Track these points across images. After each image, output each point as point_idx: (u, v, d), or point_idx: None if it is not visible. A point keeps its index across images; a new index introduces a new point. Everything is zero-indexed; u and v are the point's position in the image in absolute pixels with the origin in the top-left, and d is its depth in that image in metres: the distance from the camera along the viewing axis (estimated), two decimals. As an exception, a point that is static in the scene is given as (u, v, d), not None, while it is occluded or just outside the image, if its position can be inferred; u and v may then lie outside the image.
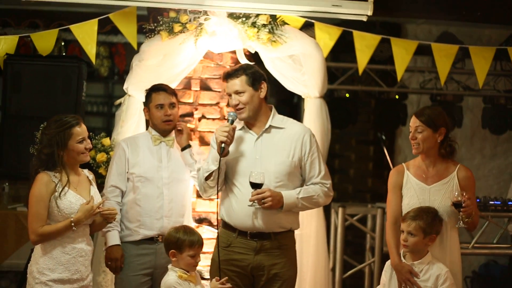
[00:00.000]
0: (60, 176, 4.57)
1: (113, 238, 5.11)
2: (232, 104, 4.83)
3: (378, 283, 5.10)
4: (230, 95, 4.84)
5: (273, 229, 4.78)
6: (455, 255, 4.85)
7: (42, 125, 4.75)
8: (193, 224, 5.54)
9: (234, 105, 4.81)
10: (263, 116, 4.87)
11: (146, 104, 5.31)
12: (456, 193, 4.68)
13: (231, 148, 4.80)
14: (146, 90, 5.34)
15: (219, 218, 4.94)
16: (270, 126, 4.85)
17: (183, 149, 5.24)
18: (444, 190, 4.79)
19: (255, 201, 4.63)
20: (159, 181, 5.17)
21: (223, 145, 4.67)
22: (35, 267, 4.54)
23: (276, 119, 4.89)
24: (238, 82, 4.79)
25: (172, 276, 4.49)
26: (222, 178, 4.84)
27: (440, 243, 4.78)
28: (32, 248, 4.80)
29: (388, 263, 4.93)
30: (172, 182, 5.20)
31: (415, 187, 4.85)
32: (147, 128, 5.53)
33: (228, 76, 4.85)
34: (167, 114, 5.20)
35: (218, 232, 4.87)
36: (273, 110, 4.93)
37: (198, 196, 5.66)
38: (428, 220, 4.67)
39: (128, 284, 5.11)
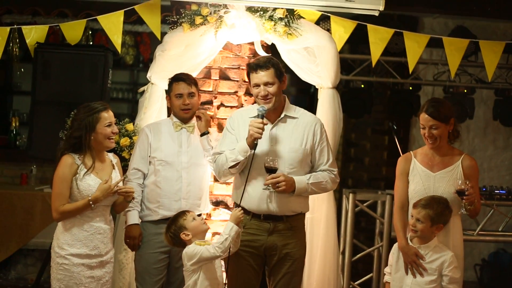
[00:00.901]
0: (83, 159, 4.79)
1: (133, 217, 5.33)
2: (261, 94, 4.94)
3: (386, 266, 5.29)
4: (258, 85, 4.96)
5: (285, 212, 4.97)
6: (457, 240, 4.98)
7: (72, 112, 4.98)
8: (210, 207, 5.75)
9: (263, 95, 4.93)
10: (279, 106, 5.04)
11: (168, 93, 5.51)
12: (460, 181, 4.80)
13: (246, 134, 4.95)
14: (169, 79, 5.51)
15: (232, 202, 5.19)
16: (285, 116, 5.03)
17: (202, 135, 5.41)
18: (448, 178, 4.94)
19: (270, 185, 4.82)
20: (179, 165, 5.36)
21: (256, 141, 4.86)
22: (56, 243, 4.81)
23: (290, 109, 5.07)
24: (269, 74, 4.93)
25: (191, 246, 4.74)
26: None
27: (444, 228, 4.92)
28: (58, 227, 5.05)
29: (395, 245, 5.09)
30: (191, 166, 5.39)
31: (421, 173, 5.00)
32: (168, 115, 5.72)
33: (258, 67, 4.96)
34: (185, 103, 5.37)
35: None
36: (287, 100, 5.10)
37: (216, 180, 5.80)
38: (438, 210, 4.83)
39: (147, 261, 5.32)
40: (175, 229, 4.83)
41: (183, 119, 5.47)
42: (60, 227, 4.84)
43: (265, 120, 4.94)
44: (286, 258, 5.00)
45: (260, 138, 4.84)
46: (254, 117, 4.97)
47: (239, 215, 4.79)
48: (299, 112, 5.11)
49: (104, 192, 4.76)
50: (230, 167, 4.96)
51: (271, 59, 5.09)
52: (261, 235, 5.00)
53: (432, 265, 4.87)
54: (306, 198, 5.12)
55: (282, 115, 5.03)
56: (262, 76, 4.94)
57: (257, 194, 4.95)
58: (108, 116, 4.85)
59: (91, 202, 4.73)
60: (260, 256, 5.04)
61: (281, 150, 4.97)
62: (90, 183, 4.77)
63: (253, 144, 4.86)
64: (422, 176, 5.01)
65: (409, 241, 4.98)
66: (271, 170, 4.83)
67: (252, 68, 5.01)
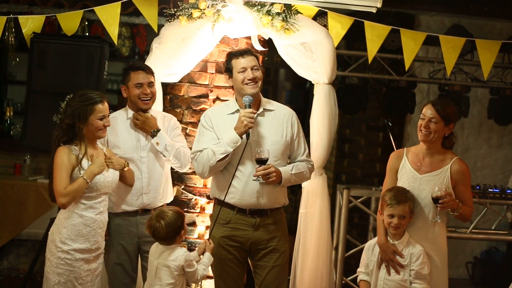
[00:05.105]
0: (79, 149, 4.80)
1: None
2: (249, 77, 5.01)
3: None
4: (245, 70, 5.03)
5: (272, 205, 5.04)
6: (440, 242, 4.98)
7: (68, 96, 4.97)
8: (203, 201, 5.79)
9: (252, 78, 5.00)
10: (256, 100, 5.10)
11: (124, 82, 5.40)
12: (437, 188, 4.81)
13: (228, 130, 4.98)
14: (123, 68, 5.51)
15: (211, 197, 5.25)
16: (264, 110, 5.10)
17: (152, 136, 5.31)
18: (434, 182, 4.92)
19: (259, 176, 4.86)
20: (138, 160, 5.31)
21: (250, 130, 4.91)
22: (58, 237, 4.78)
23: (266, 102, 5.17)
24: (254, 60, 5.07)
25: (193, 262, 4.70)
26: None
27: (427, 236, 4.95)
28: (52, 218, 5.03)
29: (369, 243, 5.18)
30: (150, 160, 5.34)
31: (408, 174, 5.01)
32: (163, 108, 5.74)
33: (242, 52, 5.09)
34: (145, 93, 5.30)
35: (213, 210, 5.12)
36: (260, 94, 5.17)
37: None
38: (412, 199, 4.91)
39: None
40: (176, 226, 4.68)
41: (142, 111, 5.36)
42: (62, 221, 4.82)
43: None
44: (273, 252, 5.08)
45: (252, 127, 4.91)
46: (234, 112, 5.08)
47: (213, 246, 4.87)
48: (274, 105, 5.23)
49: (99, 163, 4.80)
50: (219, 160, 4.94)
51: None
52: (247, 230, 5.05)
53: (404, 262, 4.91)
54: (285, 190, 5.20)
55: (261, 109, 5.09)
56: (249, 60, 5.06)
57: (246, 189, 4.99)
58: (103, 108, 4.85)
59: (85, 177, 4.72)
60: (244, 250, 5.11)
61: (264, 142, 5.02)
62: None
63: (247, 135, 4.91)
64: (409, 176, 5.02)
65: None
66: (261, 162, 4.87)
67: (235, 55, 5.12)
